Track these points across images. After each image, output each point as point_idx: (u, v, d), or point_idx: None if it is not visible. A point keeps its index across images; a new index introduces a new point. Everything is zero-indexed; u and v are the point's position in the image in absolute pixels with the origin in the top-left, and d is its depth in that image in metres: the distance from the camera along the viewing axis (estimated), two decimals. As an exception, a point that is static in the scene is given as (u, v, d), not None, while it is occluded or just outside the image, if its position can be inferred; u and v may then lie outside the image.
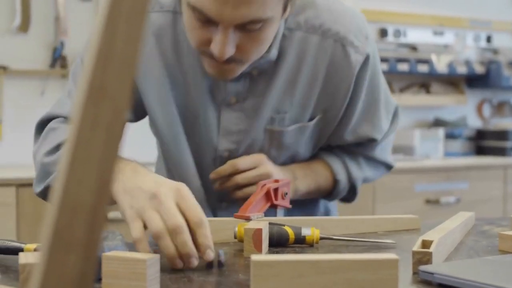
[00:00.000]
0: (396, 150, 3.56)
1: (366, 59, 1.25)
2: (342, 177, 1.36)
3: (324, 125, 1.30)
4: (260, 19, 1.05)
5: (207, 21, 1.06)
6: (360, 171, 1.39)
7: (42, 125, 1.25)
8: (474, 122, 4.14)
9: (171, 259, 0.88)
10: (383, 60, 3.56)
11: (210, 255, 0.89)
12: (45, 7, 3.09)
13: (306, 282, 0.71)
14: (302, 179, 1.31)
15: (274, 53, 1.21)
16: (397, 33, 3.79)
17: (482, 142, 3.94)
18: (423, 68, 3.76)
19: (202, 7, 1.03)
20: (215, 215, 1.32)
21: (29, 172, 2.75)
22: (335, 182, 1.36)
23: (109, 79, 0.43)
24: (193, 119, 1.27)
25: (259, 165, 1.24)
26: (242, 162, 1.24)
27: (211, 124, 1.26)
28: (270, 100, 1.24)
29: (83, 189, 0.43)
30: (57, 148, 1.17)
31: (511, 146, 3.79)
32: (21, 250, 0.91)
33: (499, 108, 4.22)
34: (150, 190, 0.92)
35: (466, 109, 4.11)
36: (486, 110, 4.20)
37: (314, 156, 1.37)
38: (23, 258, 0.77)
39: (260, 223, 1.02)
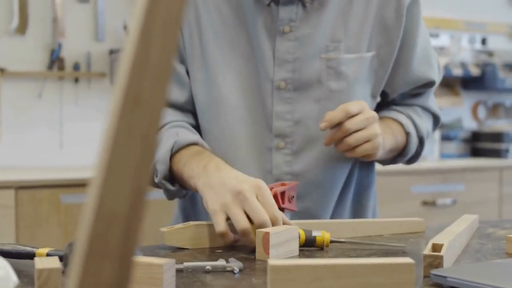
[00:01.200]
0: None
1: None
2: (411, 129, 1.35)
3: (380, 65, 1.30)
4: None
5: None
6: (423, 121, 1.39)
7: None
8: (470, 124, 4.16)
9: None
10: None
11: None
12: (42, 9, 3.08)
13: (323, 286, 0.72)
14: (384, 135, 1.27)
15: None
16: (393, 35, 3.80)
17: (478, 144, 3.96)
18: (419, 70, 3.77)
19: None
20: (270, 156, 1.28)
21: (28, 174, 2.76)
22: (407, 135, 1.34)
23: (144, 88, 0.43)
24: (248, 55, 1.28)
25: (363, 109, 1.20)
26: (351, 106, 1.19)
27: (266, 55, 1.27)
28: (323, 28, 1.27)
29: (118, 198, 0.43)
30: None
31: (506, 148, 3.81)
32: (33, 254, 0.92)
33: (494, 110, 4.24)
34: (234, 187, 1.01)
35: (461, 111, 4.13)
36: (481, 112, 4.22)
37: None
38: (39, 263, 0.77)
39: (282, 226, 1.03)
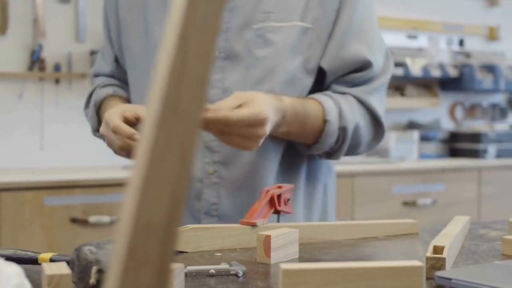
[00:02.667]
0: (372, 152, 3.60)
1: None
2: (333, 117, 1.27)
3: (315, 38, 1.30)
4: None
5: None
6: (352, 113, 1.30)
7: (92, 81, 1.55)
8: (447, 125, 4.21)
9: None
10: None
11: None
12: (23, 9, 3.05)
13: (334, 290, 0.73)
14: (288, 123, 1.22)
15: None
16: (373, 37, 3.82)
17: (456, 144, 4.01)
18: (398, 71, 3.81)
19: None
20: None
21: (10, 176, 2.72)
22: (325, 123, 1.27)
23: (182, 97, 0.44)
24: None
25: (256, 124, 1.12)
26: (238, 117, 1.11)
27: None
28: None
29: (156, 207, 0.43)
30: (87, 101, 1.50)
31: (484, 148, 3.86)
32: (35, 259, 0.91)
33: (471, 110, 4.29)
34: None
35: (439, 112, 4.18)
36: (459, 112, 4.28)
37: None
38: (48, 269, 0.77)
39: (282, 229, 1.04)
